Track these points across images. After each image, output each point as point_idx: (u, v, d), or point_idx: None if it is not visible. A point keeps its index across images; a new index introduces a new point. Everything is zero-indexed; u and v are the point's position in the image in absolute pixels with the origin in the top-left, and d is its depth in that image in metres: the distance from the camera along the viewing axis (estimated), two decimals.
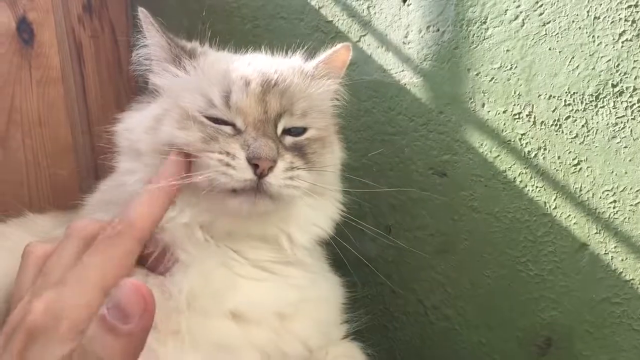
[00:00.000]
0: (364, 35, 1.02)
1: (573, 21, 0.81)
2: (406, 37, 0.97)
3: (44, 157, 1.24)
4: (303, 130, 0.77)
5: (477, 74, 0.90)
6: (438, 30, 0.94)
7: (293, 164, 0.72)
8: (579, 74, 0.81)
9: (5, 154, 1.20)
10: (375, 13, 1.00)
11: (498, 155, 0.90)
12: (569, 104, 0.83)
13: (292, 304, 0.75)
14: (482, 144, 0.91)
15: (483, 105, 0.90)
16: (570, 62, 0.82)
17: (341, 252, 0.82)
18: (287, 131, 0.76)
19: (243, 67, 0.77)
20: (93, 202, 0.81)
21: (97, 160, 1.31)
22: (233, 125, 0.72)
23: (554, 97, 0.84)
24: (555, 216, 0.86)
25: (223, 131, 0.71)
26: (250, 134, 0.70)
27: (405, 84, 0.99)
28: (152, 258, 0.68)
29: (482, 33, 0.89)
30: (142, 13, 0.78)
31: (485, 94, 0.90)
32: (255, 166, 0.68)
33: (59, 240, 0.62)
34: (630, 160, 0.79)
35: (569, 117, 0.83)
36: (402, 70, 0.99)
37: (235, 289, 0.71)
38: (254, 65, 0.78)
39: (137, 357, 0.50)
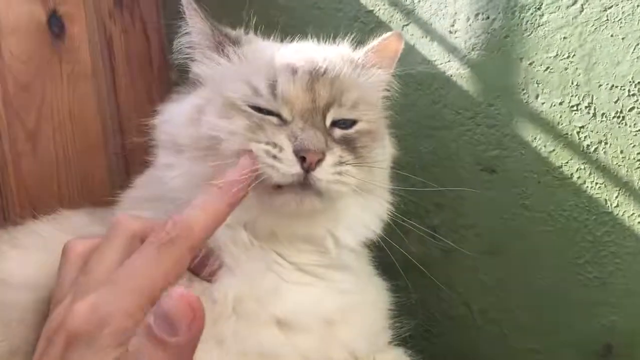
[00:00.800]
0: (406, 25, 0.98)
1: (638, 5, 0.75)
2: (453, 25, 0.92)
3: (74, 153, 1.22)
4: (352, 122, 0.72)
5: (530, 64, 0.85)
6: (488, 17, 0.89)
7: (342, 159, 0.66)
8: None
9: (35, 148, 1.18)
10: (419, 1, 0.96)
11: (553, 150, 0.85)
12: (633, 94, 0.77)
13: (339, 309, 0.71)
14: (535, 138, 0.86)
15: (537, 96, 0.85)
16: (634, 49, 0.77)
17: (385, 253, 0.78)
18: (336, 123, 0.70)
19: (290, 54, 0.73)
20: (128, 199, 0.78)
21: (128, 156, 1.28)
22: (279, 115, 0.67)
23: (616, 87, 0.78)
24: (617, 215, 0.81)
25: (269, 121, 0.67)
26: (297, 125, 0.66)
27: (451, 76, 0.94)
28: (196, 260, 0.64)
29: (536, 20, 0.84)
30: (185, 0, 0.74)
31: (540, 85, 0.85)
32: (302, 159, 0.63)
33: (102, 237, 0.58)
34: None
35: (633, 108, 0.78)
36: (448, 61, 0.94)
37: (280, 294, 0.68)
38: (301, 53, 0.74)
39: None
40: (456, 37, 0.92)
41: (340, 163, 0.66)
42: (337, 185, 0.66)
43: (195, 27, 0.75)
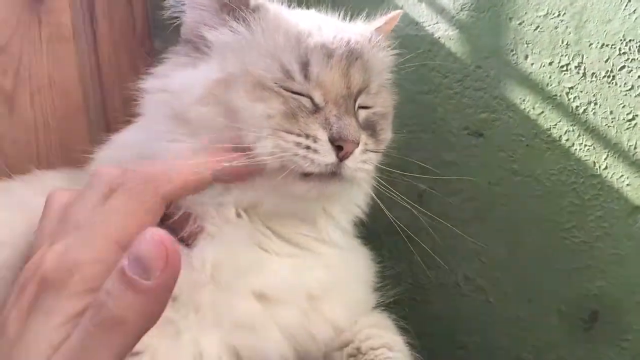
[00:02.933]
0: None
1: None
2: None
3: (53, 117, 1.18)
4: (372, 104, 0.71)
5: (520, 23, 0.83)
6: None
7: (367, 146, 0.66)
8: (635, 19, 0.74)
9: (12, 113, 1.15)
10: None
11: (542, 112, 0.83)
12: (624, 53, 0.75)
13: (322, 284, 0.69)
14: (524, 100, 0.84)
15: (526, 57, 0.83)
16: (626, 6, 0.75)
17: (371, 221, 0.77)
18: (361, 107, 0.70)
19: (318, 31, 0.68)
20: (104, 157, 0.75)
21: (110, 120, 1.25)
22: (311, 98, 0.65)
23: (607, 45, 0.76)
24: (605, 177, 0.79)
25: (302, 105, 0.64)
26: (332, 112, 0.64)
27: (439, 38, 0.91)
28: (175, 217, 0.62)
29: None
30: None
31: (529, 45, 0.82)
32: (338, 148, 0.62)
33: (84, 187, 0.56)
34: None
35: (623, 67, 0.76)
36: (436, 23, 0.91)
37: (262, 267, 0.65)
38: (330, 31, 0.69)
39: (156, 320, 0.45)
40: None
41: (366, 151, 0.66)
42: (361, 173, 0.66)
43: None
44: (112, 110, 1.27)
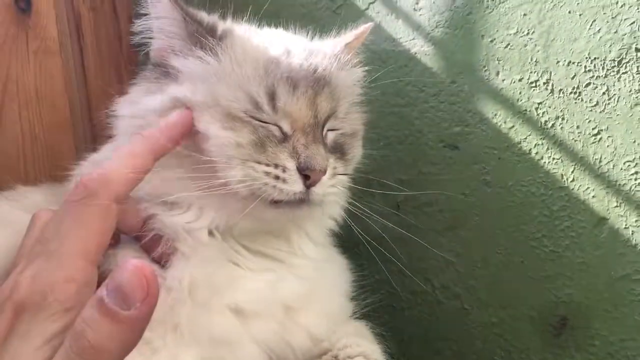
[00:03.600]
0: (372, 3, 0.98)
1: None
2: (417, 3, 0.93)
3: (41, 130, 1.20)
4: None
5: (491, 41, 0.86)
6: None
7: (336, 170, 0.68)
8: (600, 37, 0.77)
9: (0, 126, 1.17)
10: None
11: (513, 126, 0.86)
12: (589, 70, 0.78)
13: (298, 296, 0.70)
14: (495, 115, 0.87)
15: (497, 73, 0.86)
16: (591, 25, 0.78)
17: (347, 232, 0.78)
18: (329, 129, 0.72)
19: (286, 58, 0.69)
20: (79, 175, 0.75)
21: (97, 134, 1.27)
22: (279, 127, 0.66)
23: (573, 63, 0.80)
24: (572, 189, 0.82)
25: (270, 134, 0.65)
26: (300, 141, 0.65)
27: (415, 53, 0.94)
28: (146, 239, 0.63)
29: None
30: None
31: (500, 62, 0.86)
32: (306, 177, 0.64)
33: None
34: None
35: (589, 84, 0.79)
36: (413, 39, 0.94)
37: (237, 283, 0.67)
38: (297, 57, 0.70)
39: (134, 347, 0.46)
40: (420, 15, 0.93)
41: (335, 175, 0.68)
42: (330, 196, 0.68)
43: (163, 12, 0.68)
44: (98, 124, 1.29)
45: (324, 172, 0.65)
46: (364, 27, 0.80)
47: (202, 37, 0.67)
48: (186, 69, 0.67)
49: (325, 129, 0.70)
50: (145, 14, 0.69)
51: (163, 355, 0.61)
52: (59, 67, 1.24)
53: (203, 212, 0.66)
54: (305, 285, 0.71)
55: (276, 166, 0.63)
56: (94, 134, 1.28)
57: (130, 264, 0.43)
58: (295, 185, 0.63)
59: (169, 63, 0.68)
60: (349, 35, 0.79)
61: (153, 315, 0.59)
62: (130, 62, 1.37)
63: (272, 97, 0.65)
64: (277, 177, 0.63)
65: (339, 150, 0.71)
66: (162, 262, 0.64)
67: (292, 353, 0.70)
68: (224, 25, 0.72)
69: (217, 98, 0.65)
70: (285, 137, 0.66)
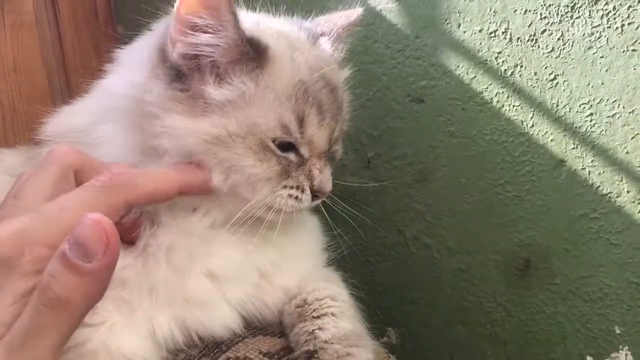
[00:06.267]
0: None
1: None
2: None
3: (20, 102, 1.22)
4: None
5: None
6: None
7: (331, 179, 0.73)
8: None
9: None
10: None
11: (474, 77, 0.88)
12: (545, 17, 0.80)
13: (272, 262, 0.73)
14: (458, 67, 0.89)
15: (459, 25, 0.88)
16: None
17: None
18: None
19: (310, 79, 0.69)
20: (53, 130, 0.74)
21: None
22: (298, 151, 0.69)
23: (529, 11, 0.82)
24: (532, 135, 0.84)
25: (291, 161, 0.68)
26: (316, 165, 0.70)
27: (381, 10, 0.96)
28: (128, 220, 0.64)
29: None
30: None
31: (461, 14, 0.88)
32: (316, 196, 0.71)
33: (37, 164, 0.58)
34: (606, 70, 0.77)
35: (544, 30, 0.81)
36: None
37: (213, 252, 0.69)
38: (319, 81, 0.70)
39: (100, 297, 0.48)
40: None
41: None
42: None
43: (223, 34, 0.63)
44: (76, 94, 1.31)
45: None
46: (355, 15, 0.80)
47: (251, 60, 0.65)
48: (222, 97, 0.64)
49: (332, 149, 0.74)
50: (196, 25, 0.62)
51: (140, 314, 0.65)
52: (35, 40, 1.26)
53: (210, 211, 0.69)
54: (279, 251, 0.74)
55: (297, 188, 0.69)
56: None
57: (89, 218, 0.44)
58: (306, 202, 0.70)
59: (197, 86, 0.64)
60: (340, 21, 0.79)
61: (131, 277, 0.63)
62: (107, 34, 1.38)
63: (301, 124, 0.67)
64: (296, 198, 0.68)
65: (332, 159, 0.76)
66: (133, 234, 0.64)
67: (266, 308, 0.74)
68: (264, 38, 0.67)
69: (250, 127, 0.64)
70: (302, 161, 0.69)
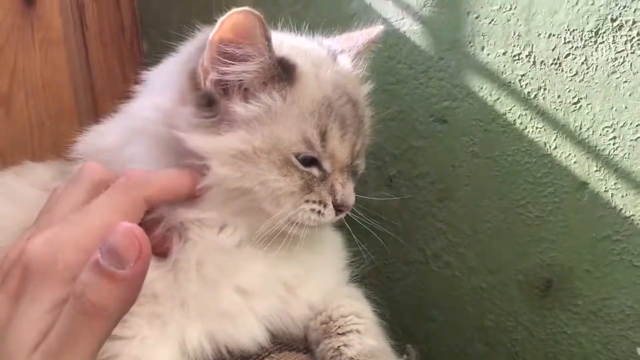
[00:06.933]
0: None
1: None
2: None
3: (47, 118, 1.25)
4: None
5: (476, 17, 0.90)
6: None
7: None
8: (578, 10, 0.80)
9: (8, 113, 1.21)
10: None
11: (498, 98, 0.90)
12: (569, 42, 0.82)
13: (297, 276, 0.75)
14: (481, 88, 0.91)
15: (482, 48, 0.90)
16: None
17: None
18: None
19: (333, 94, 0.70)
20: (84, 150, 0.76)
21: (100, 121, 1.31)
22: (320, 165, 0.70)
23: (553, 35, 0.83)
24: (555, 156, 0.85)
25: (313, 176, 0.69)
26: (338, 180, 0.71)
27: (405, 32, 0.98)
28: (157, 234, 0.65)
29: None
30: (255, 17, 0.62)
31: (485, 37, 0.89)
32: (339, 211, 0.71)
33: (68, 181, 0.61)
34: (630, 94, 0.78)
35: (568, 54, 0.82)
36: (402, 18, 0.98)
37: (241, 267, 0.71)
38: (341, 97, 0.71)
39: (133, 303, 0.50)
40: None
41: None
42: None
43: (258, 60, 0.65)
44: (103, 111, 1.34)
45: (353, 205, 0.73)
46: (376, 32, 0.82)
47: (281, 80, 0.67)
48: (248, 113, 0.65)
49: (354, 164, 0.75)
50: (232, 54, 0.63)
51: (171, 327, 0.66)
52: (63, 57, 1.29)
53: (237, 229, 0.70)
54: (304, 265, 0.75)
55: (320, 202, 0.70)
56: (98, 121, 1.32)
57: (121, 226, 0.46)
58: (329, 217, 0.71)
59: (224, 104, 0.66)
60: (360, 38, 0.81)
61: (162, 291, 0.65)
62: (133, 50, 1.41)
63: (323, 137, 0.68)
64: (319, 212, 0.69)
65: (355, 173, 0.77)
66: (163, 247, 0.66)
67: (292, 322, 0.75)
68: (292, 58, 0.69)
69: (274, 142, 0.66)
70: (324, 176, 0.70)
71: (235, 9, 0.60)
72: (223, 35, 0.63)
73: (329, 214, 0.71)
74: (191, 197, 0.64)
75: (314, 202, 0.69)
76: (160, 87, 0.72)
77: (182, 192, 0.63)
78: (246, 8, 0.60)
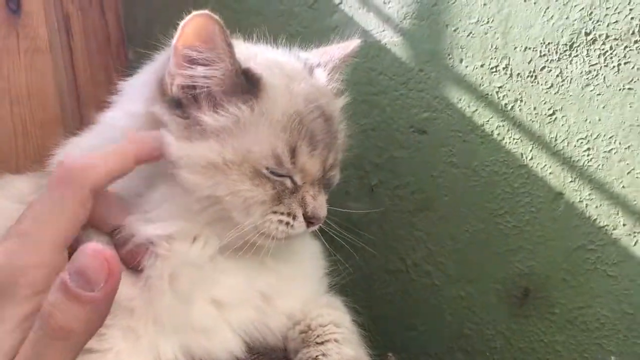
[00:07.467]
0: None
1: None
2: None
3: (32, 127, 1.25)
4: None
5: (455, 30, 0.91)
6: None
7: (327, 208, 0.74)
8: (553, 24, 0.82)
9: None
10: None
11: (476, 110, 0.91)
12: (544, 55, 0.83)
13: (273, 286, 0.75)
14: (460, 100, 0.92)
15: (461, 60, 0.91)
16: (544, 12, 0.83)
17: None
18: None
19: (304, 109, 0.70)
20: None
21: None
22: (291, 178, 0.70)
23: (529, 48, 0.85)
24: (531, 167, 0.87)
25: (285, 187, 0.70)
26: (309, 192, 0.71)
27: (385, 44, 0.99)
28: (126, 250, 0.64)
29: None
30: (215, 21, 0.62)
31: (463, 49, 0.91)
32: (310, 223, 0.71)
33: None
34: (603, 107, 0.80)
35: (544, 67, 0.84)
36: (383, 30, 0.99)
37: (215, 279, 0.71)
38: (314, 111, 0.71)
39: (101, 325, 0.48)
40: (389, 8, 0.98)
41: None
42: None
43: (218, 65, 0.65)
44: (88, 120, 1.34)
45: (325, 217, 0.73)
46: (352, 46, 0.82)
47: (245, 91, 0.67)
48: (217, 123, 0.66)
49: (327, 176, 0.75)
50: (193, 58, 0.64)
51: (145, 342, 0.66)
52: (49, 66, 1.29)
53: (208, 241, 0.70)
54: (281, 275, 0.76)
55: (289, 214, 0.69)
56: (83, 129, 1.32)
57: (89, 248, 0.45)
58: (300, 229, 0.71)
59: (193, 112, 0.66)
60: (337, 52, 0.81)
61: (137, 307, 0.64)
62: (119, 59, 1.41)
63: (293, 153, 0.68)
64: (287, 224, 0.69)
65: (328, 185, 0.77)
66: (136, 262, 0.65)
67: (270, 333, 0.76)
68: (258, 70, 0.69)
69: (245, 155, 0.66)
70: (295, 188, 0.71)
71: (195, 12, 0.61)
72: (185, 40, 0.63)
73: (299, 225, 0.71)
74: (139, 164, 0.61)
75: (282, 213, 0.69)
76: (133, 96, 0.72)
77: (128, 167, 0.60)
78: (206, 12, 0.61)
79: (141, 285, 0.66)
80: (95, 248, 0.45)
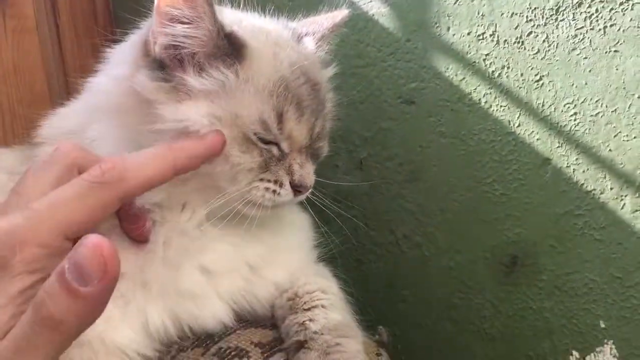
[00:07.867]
0: None
1: None
2: None
3: (19, 104, 1.25)
4: None
5: None
6: None
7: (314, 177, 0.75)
8: None
9: None
10: None
11: (463, 78, 0.91)
12: (531, 20, 0.83)
13: (262, 257, 0.76)
14: (447, 69, 0.92)
15: (448, 29, 0.91)
16: None
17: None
18: None
19: (290, 75, 0.70)
20: (52, 133, 0.76)
21: None
22: (278, 146, 0.70)
23: (516, 14, 0.84)
24: (519, 134, 0.86)
25: (272, 154, 0.70)
26: (296, 160, 0.71)
27: (373, 15, 0.99)
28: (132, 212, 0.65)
29: None
30: None
31: (450, 17, 0.90)
32: (298, 191, 0.72)
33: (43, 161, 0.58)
34: (590, 70, 0.79)
35: (530, 33, 0.83)
36: (370, 1, 0.99)
37: (205, 248, 0.72)
38: (299, 77, 0.71)
39: (94, 321, 0.47)
40: None
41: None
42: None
43: (200, 25, 0.65)
44: (74, 96, 1.33)
45: (312, 186, 0.73)
46: (341, 16, 0.82)
47: (228, 55, 0.67)
48: (203, 87, 0.66)
49: (314, 145, 0.75)
50: (174, 16, 0.64)
51: (132, 307, 0.67)
52: (36, 45, 1.28)
53: (196, 209, 0.71)
54: (269, 246, 0.77)
55: (276, 182, 0.70)
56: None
57: (90, 241, 0.43)
58: (287, 197, 0.71)
59: (178, 75, 0.66)
60: (325, 22, 0.81)
61: (127, 271, 0.65)
62: (107, 38, 1.40)
63: (280, 119, 0.68)
64: (274, 192, 0.70)
65: (316, 155, 0.77)
66: (139, 230, 0.66)
67: (257, 302, 0.77)
68: (242, 34, 0.69)
69: (233, 118, 0.66)
70: (282, 155, 0.71)
71: None
72: None
73: (286, 193, 0.71)
74: (177, 175, 0.61)
75: (269, 181, 0.69)
76: (118, 61, 0.73)
77: (165, 179, 0.59)
78: None
79: (135, 251, 0.67)
80: (95, 242, 0.43)
